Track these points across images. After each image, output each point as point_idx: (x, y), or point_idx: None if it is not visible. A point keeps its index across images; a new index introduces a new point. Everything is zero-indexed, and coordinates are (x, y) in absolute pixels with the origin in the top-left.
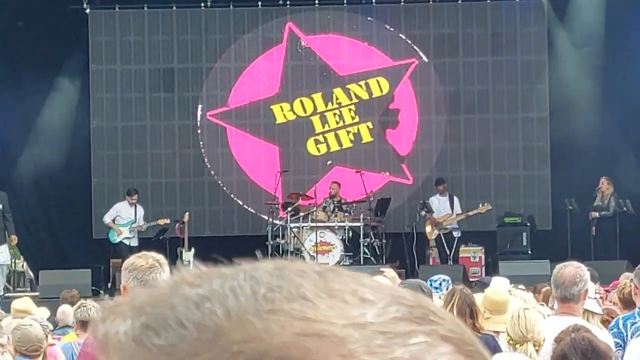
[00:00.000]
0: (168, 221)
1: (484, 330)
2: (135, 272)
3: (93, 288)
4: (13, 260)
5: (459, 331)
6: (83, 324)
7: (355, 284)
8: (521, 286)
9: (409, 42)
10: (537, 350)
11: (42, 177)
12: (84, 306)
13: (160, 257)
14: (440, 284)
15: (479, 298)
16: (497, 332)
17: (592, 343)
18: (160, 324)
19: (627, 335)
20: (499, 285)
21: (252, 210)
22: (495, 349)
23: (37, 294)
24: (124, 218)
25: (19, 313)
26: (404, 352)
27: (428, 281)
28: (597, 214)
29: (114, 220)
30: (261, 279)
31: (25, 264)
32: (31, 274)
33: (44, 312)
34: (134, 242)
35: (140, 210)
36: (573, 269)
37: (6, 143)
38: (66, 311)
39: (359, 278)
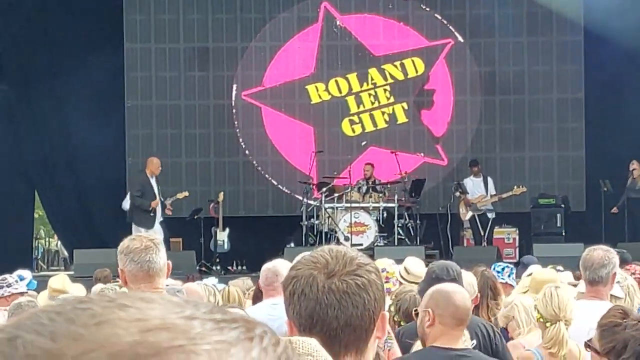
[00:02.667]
0: (187, 194)
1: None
2: (132, 254)
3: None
4: (47, 240)
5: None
6: None
7: (157, 296)
8: (560, 267)
9: (445, 22)
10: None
11: (77, 156)
12: (114, 288)
13: (155, 238)
14: (503, 269)
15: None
16: None
17: None
18: None
19: None
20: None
21: (286, 191)
22: None
23: (72, 272)
24: None
25: (56, 292)
26: (235, 333)
27: (492, 265)
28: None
29: None
30: (66, 307)
31: (59, 242)
32: (65, 252)
33: (80, 290)
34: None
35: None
36: (602, 252)
37: (41, 123)
38: (97, 290)
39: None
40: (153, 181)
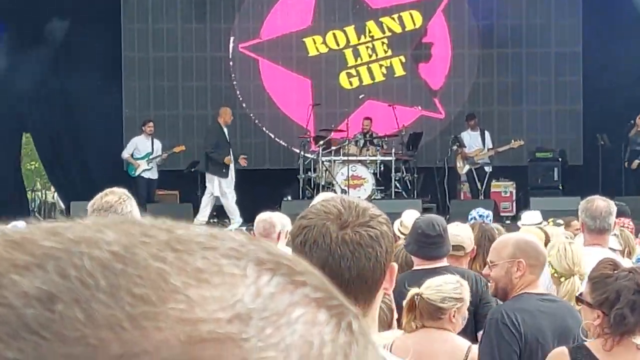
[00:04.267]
0: (184, 148)
1: None
2: (112, 208)
3: None
4: (44, 192)
5: (322, 286)
6: None
7: (213, 254)
8: (559, 220)
9: None
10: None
11: (73, 108)
12: None
13: (126, 191)
14: (483, 219)
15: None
16: None
17: None
18: (4, 330)
19: None
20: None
21: (283, 144)
22: None
23: None
24: (141, 151)
25: None
26: (292, 335)
27: (469, 215)
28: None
29: (132, 155)
30: (110, 263)
31: (56, 194)
32: (62, 205)
33: None
34: (154, 175)
35: (158, 143)
36: (604, 202)
37: (37, 75)
38: None
39: (212, 243)
40: (226, 131)
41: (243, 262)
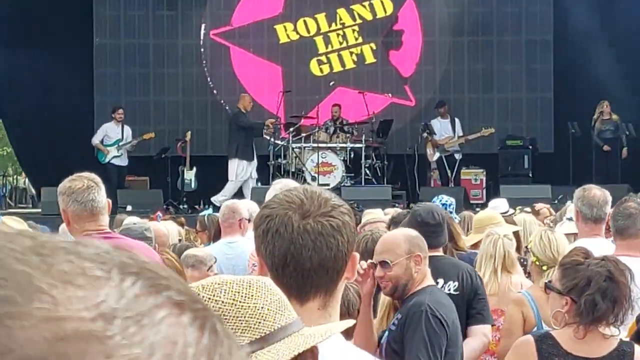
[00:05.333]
0: (153, 135)
1: (467, 250)
2: (74, 194)
3: None
4: (15, 177)
5: (186, 290)
6: None
7: (77, 258)
8: (527, 209)
9: None
10: None
11: (44, 93)
12: None
13: (95, 177)
14: (446, 208)
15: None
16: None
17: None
18: None
19: None
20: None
21: None
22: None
23: (39, 210)
24: (111, 137)
25: None
26: (156, 334)
27: (432, 202)
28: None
29: (102, 142)
30: None
31: (27, 180)
32: (33, 190)
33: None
34: (124, 162)
35: (128, 130)
36: (599, 190)
37: (8, 61)
38: (64, 229)
39: (76, 248)
40: (248, 115)
41: (107, 266)
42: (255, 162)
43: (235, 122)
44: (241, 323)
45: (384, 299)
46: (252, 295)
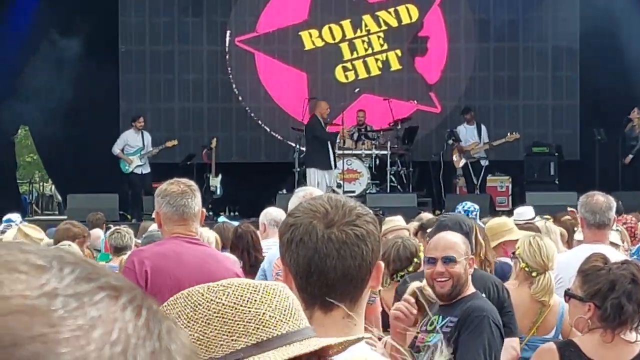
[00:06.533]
0: (176, 142)
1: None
2: (168, 197)
3: (120, 212)
4: (42, 184)
5: (123, 279)
6: (117, 250)
7: (21, 252)
8: (546, 216)
9: None
10: None
11: (70, 100)
12: (118, 232)
13: (192, 184)
14: (468, 215)
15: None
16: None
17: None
18: None
19: None
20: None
21: (279, 137)
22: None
23: (65, 217)
24: (132, 146)
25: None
26: (97, 311)
27: (455, 209)
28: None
29: (123, 150)
30: None
31: (53, 187)
32: (59, 197)
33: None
34: (146, 170)
35: (148, 137)
36: (603, 196)
37: (35, 69)
38: (95, 235)
39: (20, 245)
40: (323, 123)
41: (48, 258)
42: (333, 170)
43: (312, 131)
44: (239, 327)
45: (409, 289)
46: (255, 300)
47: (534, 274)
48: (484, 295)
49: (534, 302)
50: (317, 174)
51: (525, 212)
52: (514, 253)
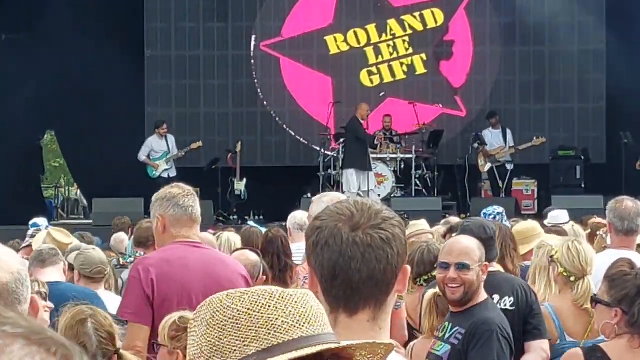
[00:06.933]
0: (201, 144)
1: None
2: (175, 199)
3: (145, 216)
4: (67, 188)
5: (26, 324)
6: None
7: None
8: (571, 222)
9: None
10: None
11: (95, 105)
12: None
13: (191, 188)
14: (495, 217)
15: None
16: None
17: None
18: None
19: None
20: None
21: (304, 141)
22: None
23: (91, 221)
24: (157, 151)
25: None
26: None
27: (482, 214)
28: None
29: (149, 156)
30: None
31: (79, 191)
32: (85, 202)
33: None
34: (172, 173)
35: (172, 139)
36: (632, 202)
37: (61, 74)
38: (119, 238)
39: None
40: (364, 124)
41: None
42: (372, 172)
43: (353, 132)
44: (251, 332)
45: (428, 295)
46: (269, 306)
47: (572, 278)
48: (511, 298)
49: (579, 307)
50: (355, 175)
51: (559, 215)
52: (551, 257)
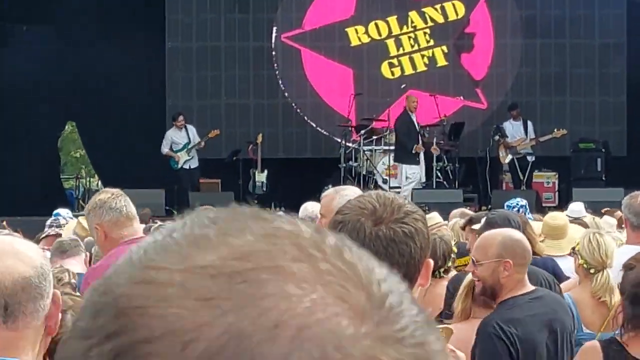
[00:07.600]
0: (218, 132)
1: (543, 255)
2: (106, 204)
3: (167, 208)
4: (88, 179)
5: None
6: None
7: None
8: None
9: None
10: None
11: (116, 96)
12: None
13: (118, 189)
14: (519, 210)
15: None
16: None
17: None
18: None
19: None
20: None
21: (325, 133)
22: (554, 271)
23: None
24: (178, 143)
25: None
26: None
27: (505, 206)
28: None
29: (171, 149)
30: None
31: (100, 182)
32: None
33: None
34: (194, 164)
35: (192, 130)
36: None
37: (82, 66)
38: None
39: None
40: (413, 117)
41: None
42: (422, 165)
43: (401, 125)
44: None
45: (467, 279)
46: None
47: (592, 270)
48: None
49: (597, 299)
50: (409, 169)
51: (577, 209)
52: (573, 249)
